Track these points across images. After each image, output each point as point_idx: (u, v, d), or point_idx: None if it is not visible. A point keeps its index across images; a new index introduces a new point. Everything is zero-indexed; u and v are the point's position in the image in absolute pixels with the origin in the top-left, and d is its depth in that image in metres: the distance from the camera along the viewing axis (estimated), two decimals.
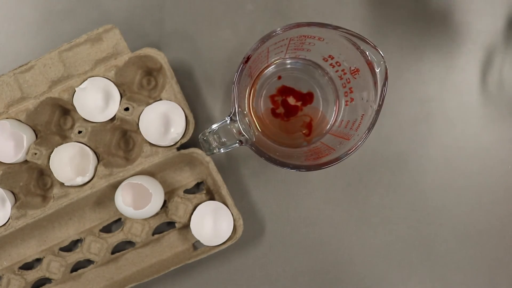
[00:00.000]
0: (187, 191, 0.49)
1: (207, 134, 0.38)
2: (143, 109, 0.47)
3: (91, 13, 0.50)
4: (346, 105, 0.42)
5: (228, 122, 0.38)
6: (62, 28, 0.50)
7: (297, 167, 0.38)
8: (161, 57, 0.46)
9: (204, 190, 0.49)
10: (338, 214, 0.49)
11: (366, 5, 0.49)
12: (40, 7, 0.50)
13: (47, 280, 0.48)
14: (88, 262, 0.48)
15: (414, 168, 0.49)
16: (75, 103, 0.46)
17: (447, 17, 0.49)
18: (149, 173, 0.47)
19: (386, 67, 0.36)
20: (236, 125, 0.37)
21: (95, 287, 0.49)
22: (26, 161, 0.47)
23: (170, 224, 0.49)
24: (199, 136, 0.39)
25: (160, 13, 0.50)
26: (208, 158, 0.46)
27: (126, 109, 0.46)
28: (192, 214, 0.47)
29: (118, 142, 0.49)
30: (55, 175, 0.46)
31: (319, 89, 0.45)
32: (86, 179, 0.46)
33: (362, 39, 0.36)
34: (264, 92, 0.45)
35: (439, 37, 0.49)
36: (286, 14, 0.49)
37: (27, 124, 0.47)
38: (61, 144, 0.47)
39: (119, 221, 0.49)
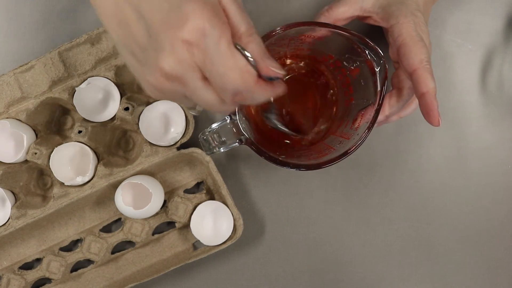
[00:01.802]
0: (187, 191, 0.49)
1: (207, 133, 0.38)
2: (143, 109, 0.47)
3: (91, 13, 0.50)
4: (346, 104, 0.42)
5: (228, 121, 0.38)
6: (62, 28, 0.50)
7: (297, 166, 0.38)
8: None
9: (204, 190, 0.49)
10: (338, 214, 0.49)
11: None
12: (40, 7, 0.50)
13: (47, 280, 0.48)
14: (88, 262, 0.48)
15: (414, 168, 0.49)
16: (75, 102, 0.47)
17: (446, 17, 0.49)
18: (149, 173, 0.47)
19: (385, 66, 0.36)
20: (236, 124, 0.37)
21: (95, 287, 0.49)
22: (26, 161, 0.47)
23: (170, 224, 0.49)
24: (199, 136, 0.39)
25: None
26: (208, 158, 0.46)
27: (126, 108, 0.46)
28: (192, 214, 0.47)
29: (118, 141, 0.49)
30: (55, 175, 0.46)
31: (319, 88, 0.45)
32: (86, 178, 0.46)
33: (362, 39, 0.36)
34: None
35: (439, 37, 0.49)
36: (286, 14, 0.49)
37: (27, 124, 0.47)
38: (61, 143, 0.47)
39: (119, 221, 0.49)
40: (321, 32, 0.38)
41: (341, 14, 0.41)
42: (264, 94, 0.30)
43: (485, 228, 0.49)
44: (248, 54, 0.28)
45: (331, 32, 0.37)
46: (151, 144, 0.47)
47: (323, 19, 0.41)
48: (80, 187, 0.47)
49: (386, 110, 0.40)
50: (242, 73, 0.28)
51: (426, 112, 0.36)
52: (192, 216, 0.47)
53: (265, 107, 0.39)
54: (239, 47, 0.28)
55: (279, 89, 0.31)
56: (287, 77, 0.43)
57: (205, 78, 0.28)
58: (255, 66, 0.28)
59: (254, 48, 0.28)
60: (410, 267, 0.49)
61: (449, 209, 0.49)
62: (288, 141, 0.44)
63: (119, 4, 0.27)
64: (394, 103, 0.40)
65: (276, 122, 0.39)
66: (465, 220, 0.49)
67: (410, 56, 0.36)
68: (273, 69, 0.29)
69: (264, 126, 0.43)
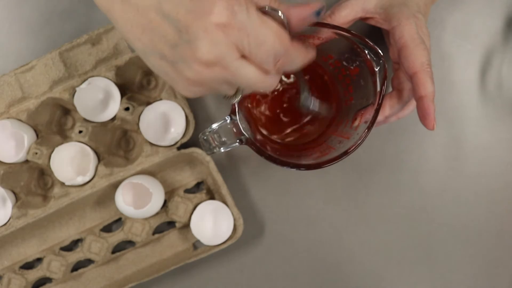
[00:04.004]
0: (187, 191, 0.49)
1: (207, 133, 0.38)
2: (143, 109, 0.47)
3: (91, 13, 0.50)
4: (346, 104, 0.42)
5: (228, 121, 0.38)
6: (63, 28, 0.50)
7: (297, 166, 0.38)
8: None
9: (204, 190, 0.49)
10: (338, 214, 0.49)
11: None
12: (41, 8, 0.50)
13: (47, 280, 0.49)
14: (88, 261, 0.49)
15: (413, 168, 0.49)
16: (75, 103, 0.47)
17: (446, 18, 0.49)
18: (150, 172, 0.47)
19: (385, 66, 0.36)
20: (236, 124, 0.37)
21: (96, 287, 0.49)
22: (27, 161, 0.47)
23: (170, 224, 0.49)
24: (199, 136, 0.39)
25: None
26: (208, 158, 0.46)
27: (127, 109, 0.46)
28: (192, 213, 0.47)
29: (119, 141, 0.49)
30: (55, 175, 0.47)
31: (318, 88, 0.45)
32: (87, 178, 0.46)
33: (361, 39, 0.36)
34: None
35: (438, 37, 0.49)
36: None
37: (28, 124, 0.47)
38: (62, 143, 0.47)
39: (119, 221, 0.49)
40: (321, 32, 0.38)
41: (343, 18, 0.41)
42: (300, 55, 0.30)
43: (485, 228, 0.49)
44: (280, 14, 0.28)
45: (331, 32, 0.37)
46: (151, 144, 0.47)
47: None
48: (80, 187, 0.47)
49: (386, 111, 0.40)
50: (277, 35, 0.28)
51: (423, 115, 0.37)
52: (192, 216, 0.47)
53: (298, 93, 0.40)
54: (269, 10, 0.28)
55: (312, 52, 0.31)
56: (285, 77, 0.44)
57: (243, 57, 0.28)
58: (286, 24, 0.29)
59: (284, 5, 0.29)
60: (410, 267, 0.49)
61: (448, 208, 0.49)
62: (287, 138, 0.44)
63: (141, 10, 0.27)
64: (394, 104, 0.40)
65: (311, 102, 0.40)
66: (465, 219, 0.49)
67: (411, 58, 0.37)
68: (313, 3, 0.29)
69: (264, 125, 0.43)
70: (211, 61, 0.28)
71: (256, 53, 0.28)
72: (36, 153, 0.46)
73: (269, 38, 0.28)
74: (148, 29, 0.28)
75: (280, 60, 0.29)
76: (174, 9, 0.27)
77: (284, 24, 0.29)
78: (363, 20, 0.42)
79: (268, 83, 0.30)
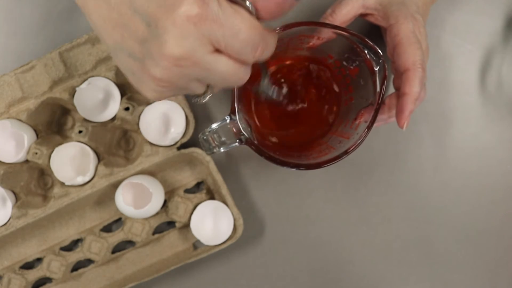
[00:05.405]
0: (187, 191, 0.49)
1: (207, 133, 0.38)
2: (143, 109, 0.47)
3: None
4: (346, 104, 0.42)
5: (228, 121, 0.38)
6: (63, 28, 0.50)
7: (297, 166, 0.38)
8: None
9: (204, 190, 0.49)
10: (338, 214, 0.49)
11: None
12: (41, 8, 0.50)
13: (47, 280, 0.49)
14: (88, 261, 0.49)
15: (413, 168, 0.49)
16: (75, 103, 0.47)
17: (446, 18, 0.49)
18: (150, 172, 0.47)
19: (385, 66, 0.36)
20: (236, 124, 0.37)
21: (96, 287, 0.49)
22: (27, 161, 0.47)
23: (170, 224, 0.49)
24: (199, 136, 0.39)
25: None
26: (208, 158, 0.46)
27: (127, 108, 0.46)
28: (192, 213, 0.47)
29: (119, 141, 0.49)
30: (55, 175, 0.47)
31: (318, 88, 0.45)
32: (87, 178, 0.46)
33: (361, 39, 0.36)
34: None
35: (438, 37, 0.49)
36: (286, 14, 0.49)
37: (28, 124, 0.47)
38: (62, 143, 0.47)
39: (119, 221, 0.49)
40: (321, 32, 0.38)
41: (345, 15, 0.41)
42: (273, 37, 0.29)
43: (485, 228, 0.49)
44: (248, 3, 0.27)
45: (331, 32, 0.37)
46: (151, 144, 0.47)
47: None
48: (80, 187, 0.47)
49: (386, 111, 0.40)
50: (251, 23, 0.27)
51: (398, 111, 0.38)
52: (192, 216, 0.47)
53: (257, 80, 0.38)
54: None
55: (275, 33, 0.30)
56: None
57: (217, 50, 0.27)
58: (254, 13, 0.28)
59: None
60: (410, 267, 0.49)
61: (448, 209, 0.49)
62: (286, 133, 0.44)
63: (114, 5, 0.27)
64: (394, 104, 0.40)
65: (271, 90, 0.39)
66: (465, 219, 0.49)
67: (404, 56, 0.37)
68: None
69: (264, 125, 0.43)
70: (180, 56, 0.26)
71: (233, 44, 0.27)
72: (36, 153, 0.46)
73: (244, 27, 0.26)
74: (119, 25, 0.27)
75: (259, 48, 0.28)
76: (145, 3, 0.26)
77: (252, 13, 0.27)
78: (362, 16, 0.42)
79: (242, 75, 0.29)
